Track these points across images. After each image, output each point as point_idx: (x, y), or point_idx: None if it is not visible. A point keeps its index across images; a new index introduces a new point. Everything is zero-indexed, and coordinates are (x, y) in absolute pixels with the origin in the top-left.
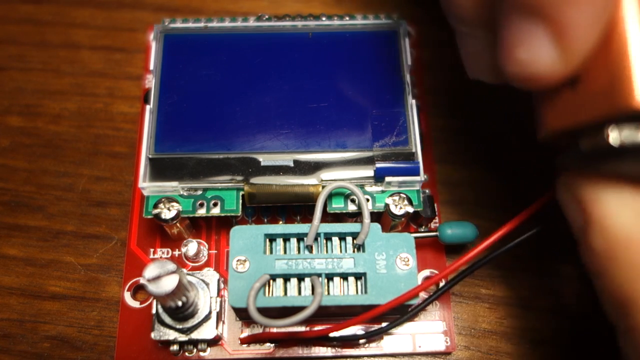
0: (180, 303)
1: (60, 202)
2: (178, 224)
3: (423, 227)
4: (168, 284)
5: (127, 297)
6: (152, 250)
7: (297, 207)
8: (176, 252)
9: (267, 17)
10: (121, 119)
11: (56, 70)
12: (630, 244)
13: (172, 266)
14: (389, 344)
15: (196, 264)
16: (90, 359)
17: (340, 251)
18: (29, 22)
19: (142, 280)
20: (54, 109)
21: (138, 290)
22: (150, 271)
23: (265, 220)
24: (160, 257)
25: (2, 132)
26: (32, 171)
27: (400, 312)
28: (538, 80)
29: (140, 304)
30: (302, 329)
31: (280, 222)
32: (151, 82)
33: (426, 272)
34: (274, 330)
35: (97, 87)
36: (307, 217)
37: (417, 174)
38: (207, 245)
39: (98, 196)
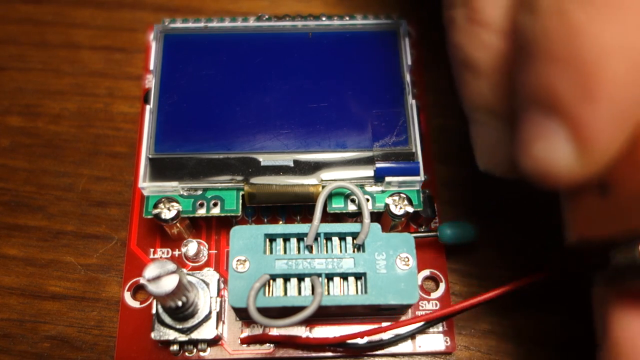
0: (180, 303)
1: (60, 202)
2: (178, 224)
3: (423, 227)
4: (168, 284)
5: (127, 297)
6: (152, 250)
7: (297, 207)
8: (176, 252)
9: (267, 17)
10: (121, 119)
11: (56, 70)
12: None
13: (172, 266)
14: (389, 344)
15: (196, 264)
16: (90, 359)
17: (340, 251)
18: (29, 22)
19: (142, 280)
20: (54, 109)
21: (138, 290)
22: (150, 271)
23: (265, 220)
24: (160, 257)
25: (2, 132)
26: (32, 171)
27: (400, 312)
28: (554, 179)
29: (140, 304)
30: (302, 331)
31: (280, 222)
32: (151, 82)
33: (426, 272)
34: (274, 332)
35: (97, 87)
36: (307, 217)
37: (417, 174)
38: (207, 245)
39: (98, 196)
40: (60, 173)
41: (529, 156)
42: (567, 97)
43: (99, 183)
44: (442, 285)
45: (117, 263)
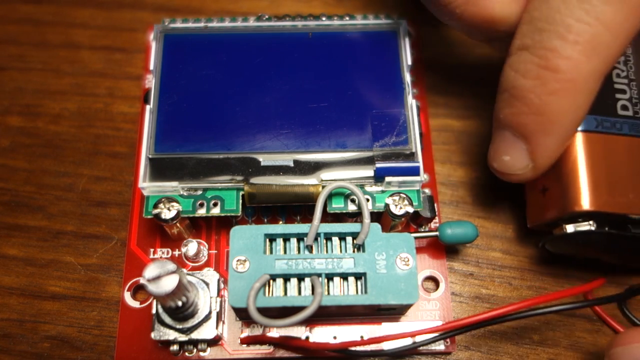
0: (180, 303)
1: (60, 202)
2: (178, 224)
3: (423, 227)
4: (168, 284)
5: (127, 297)
6: (152, 250)
7: (297, 207)
8: (176, 252)
9: (267, 17)
10: (121, 119)
11: (56, 70)
12: None
13: (172, 266)
14: (390, 344)
15: (196, 264)
16: (90, 359)
17: (340, 251)
18: (29, 22)
19: (142, 280)
20: (54, 109)
21: (138, 290)
22: (150, 271)
23: (265, 220)
24: (160, 257)
25: (2, 132)
26: (32, 171)
27: (400, 312)
28: (512, 177)
29: (140, 304)
30: (302, 331)
31: (280, 222)
32: (151, 82)
33: (426, 272)
34: (274, 332)
35: (97, 87)
36: (307, 217)
37: (417, 174)
38: (207, 245)
39: (98, 196)
40: (60, 173)
41: (499, 160)
42: (532, 131)
43: (99, 183)
44: (442, 285)
45: (117, 263)
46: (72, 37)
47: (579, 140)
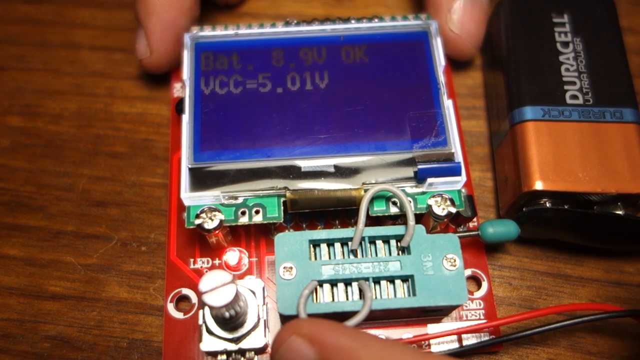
0: (233, 312)
1: (60, 202)
2: (219, 232)
3: (462, 226)
4: (226, 295)
5: (171, 308)
6: (192, 260)
7: (336, 211)
8: (216, 261)
9: (295, 21)
10: (121, 119)
11: (56, 70)
12: None
13: (227, 277)
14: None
15: (237, 272)
16: (90, 359)
17: (385, 254)
18: (29, 22)
19: (199, 293)
20: (54, 109)
21: (180, 300)
22: (206, 283)
23: (304, 225)
24: (202, 268)
25: (2, 132)
26: (32, 171)
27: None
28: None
29: (184, 314)
30: None
31: (319, 227)
32: (180, 90)
33: (467, 272)
34: None
35: (97, 87)
36: (346, 222)
37: (458, 174)
38: (247, 253)
39: (98, 196)
40: (60, 173)
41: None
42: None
43: (99, 183)
44: (485, 285)
45: (117, 263)
46: (72, 37)
47: (528, 128)
